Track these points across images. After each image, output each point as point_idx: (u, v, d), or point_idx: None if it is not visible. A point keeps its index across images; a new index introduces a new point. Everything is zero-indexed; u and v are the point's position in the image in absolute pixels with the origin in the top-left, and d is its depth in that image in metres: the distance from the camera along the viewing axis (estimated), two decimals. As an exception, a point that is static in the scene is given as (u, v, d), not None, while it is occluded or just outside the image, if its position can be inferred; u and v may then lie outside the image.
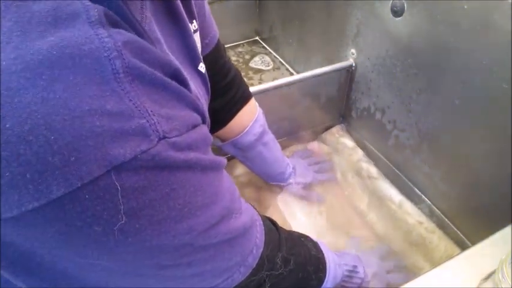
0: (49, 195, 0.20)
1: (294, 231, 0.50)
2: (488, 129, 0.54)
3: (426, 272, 0.39)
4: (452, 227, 0.66)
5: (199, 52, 0.44)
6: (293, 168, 0.73)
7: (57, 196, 0.20)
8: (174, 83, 0.26)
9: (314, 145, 0.86)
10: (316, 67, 0.76)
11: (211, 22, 0.51)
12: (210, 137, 0.31)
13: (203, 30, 0.50)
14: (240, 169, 0.78)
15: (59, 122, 0.20)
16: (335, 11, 0.78)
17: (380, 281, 0.58)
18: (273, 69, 1.08)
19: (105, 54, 0.21)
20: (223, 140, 0.64)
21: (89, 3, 0.22)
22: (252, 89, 0.68)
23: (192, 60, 0.42)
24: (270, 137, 0.66)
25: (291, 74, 1.05)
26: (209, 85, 0.47)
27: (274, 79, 0.72)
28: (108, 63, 0.21)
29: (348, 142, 0.84)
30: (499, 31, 0.48)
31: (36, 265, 0.24)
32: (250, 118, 0.62)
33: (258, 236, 0.38)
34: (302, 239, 0.49)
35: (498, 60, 0.49)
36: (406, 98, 0.67)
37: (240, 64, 1.10)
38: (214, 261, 0.32)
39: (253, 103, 0.63)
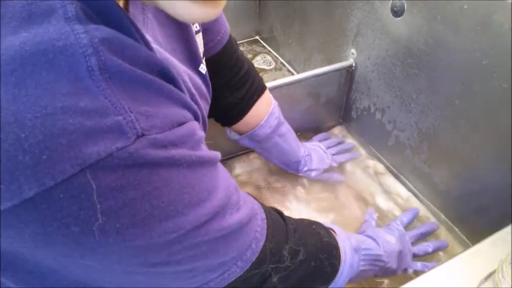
0: (21, 195, 0.20)
1: (305, 219, 0.49)
2: (488, 129, 0.54)
3: (426, 272, 0.39)
4: (453, 227, 0.66)
5: (201, 53, 0.44)
6: (308, 155, 0.73)
7: (29, 196, 0.20)
8: (159, 81, 0.25)
9: (335, 130, 0.87)
10: (316, 67, 0.76)
11: (222, 19, 0.52)
12: (202, 134, 0.30)
13: (214, 28, 0.50)
14: (239, 168, 0.78)
15: (30, 120, 0.19)
16: (335, 11, 0.78)
17: (407, 256, 0.57)
18: (275, 69, 1.08)
19: (80, 51, 0.21)
20: (240, 133, 0.65)
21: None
22: (252, 89, 0.68)
23: (193, 61, 0.42)
24: (286, 127, 0.67)
25: (292, 74, 1.05)
26: (210, 86, 0.47)
27: (275, 80, 0.72)
28: (83, 60, 0.21)
29: (350, 142, 0.84)
30: (499, 31, 0.48)
31: (21, 263, 0.24)
32: (266, 110, 0.63)
33: (259, 229, 0.37)
34: (314, 226, 0.47)
35: (498, 60, 0.49)
36: (406, 98, 0.67)
37: (241, 64, 1.10)
38: (207, 258, 0.31)
39: (268, 95, 0.63)
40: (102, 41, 0.22)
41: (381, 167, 0.77)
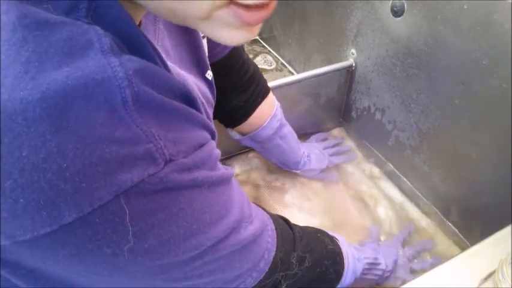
0: (61, 221, 0.21)
1: (310, 227, 0.50)
2: (488, 129, 0.54)
3: (426, 272, 0.39)
4: (452, 227, 0.66)
5: (207, 60, 0.45)
6: (308, 156, 0.74)
7: (68, 221, 0.21)
8: (182, 106, 0.26)
9: (335, 131, 0.88)
10: (316, 67, 0.76)
11: None
12: (218, 152, 0.32)
13: None
14: (238, 168, 0.78)
15: (71, 150, 0.20)
16: (335, 11, 0.78)
17: (403, 270, 0.59)
18: (276, 70, 1.08)
19: (117, 83, 0.21)
20: (242, 134, 0.66)
21: (101, 30, 0.22)
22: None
23: (200, 68, 0.43)
24: (287, 129, 0.68)
25: (292, 74, 1.05)
26: (215, 91, 0.48)
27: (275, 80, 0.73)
28: (119, 92, 0.22)
29: (348, 144, 0.84)
30: (499, 31, 0.48)
31: (48, 277, 0.25)
32: (269, 112, 0.64)
33: (270, 240, 0.38)
34: (318, 234, 0.49)
35: (498, 60, 0.49)
36: (406, 98, 0.67)
37: (242, 64, 1.10)
38: (225, 271, 0.32)
39: (271, 97, 0.65)
40: (135, 72, 0.23)
41: (376, 171, 0.78)
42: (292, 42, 1.02)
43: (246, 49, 1.17)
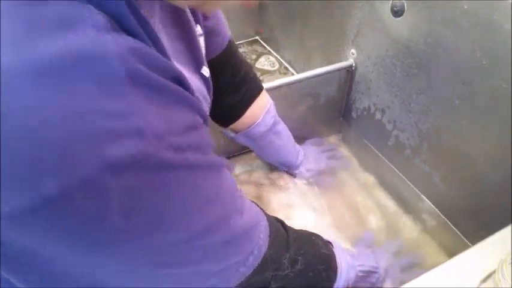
0: (43, 194, 0.20)
1: (305, 230, 0.50)
2: (488, 129, 0.54)
3: (426, 272, 0.39)
4: (453, 227, 0.66)
5: (204, 56, 0.45)
6: (305, 155, 0.74)
7: (50, 195, 0.20)
8: (175, 86, 0.26)
9: (331, 138, 0.88)
10: (316, 67, 0.76)
11: (223, 22, 0.54)
12: (210, 139, 0.32)
13: (215, 31, 0.52)
14: (240, 167, 0.78)
15: (55, 121, 0.20)
16: (335, 11, 0.78)
17: (393, 279, 0.58)
18: (279, 72, 1.07)
19: (109, 58, 0.21)
20: (236, 132, 0.66)
21: (95, 10, 0.22)
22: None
23: (195, 63, 0.43)
24: (281, 126, 0.69)
25: (292, 74, 1.05)
26: (212, 88, 0.48)
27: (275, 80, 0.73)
28: (111, 66, 0.21)
29: (345, 152, 0.84)
30: (499, 31, 0.48)
31: (35, 263, 0.25)
32: (262, 110, 0.64)
33: (262, 236, 0.38)
34: (313, 237, 0.49)
35: (498, 60, 0.49)
36: (406, 98, 0.67)
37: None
38: (212, 261, 0.32)
39: (264, 95, 0.65)
40: (129, 49, 0.23)
41: (371, 179, 0.77)
42: (292, 42, 1.02)
43: (246, 49, 1.17)
